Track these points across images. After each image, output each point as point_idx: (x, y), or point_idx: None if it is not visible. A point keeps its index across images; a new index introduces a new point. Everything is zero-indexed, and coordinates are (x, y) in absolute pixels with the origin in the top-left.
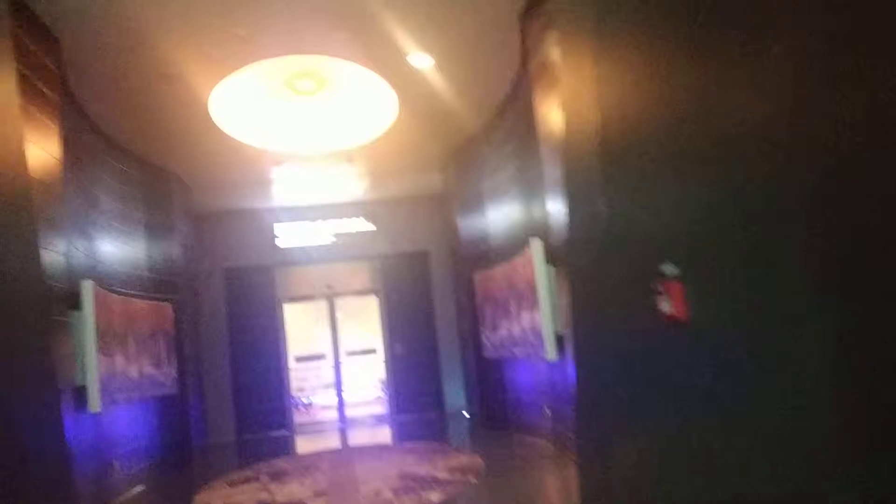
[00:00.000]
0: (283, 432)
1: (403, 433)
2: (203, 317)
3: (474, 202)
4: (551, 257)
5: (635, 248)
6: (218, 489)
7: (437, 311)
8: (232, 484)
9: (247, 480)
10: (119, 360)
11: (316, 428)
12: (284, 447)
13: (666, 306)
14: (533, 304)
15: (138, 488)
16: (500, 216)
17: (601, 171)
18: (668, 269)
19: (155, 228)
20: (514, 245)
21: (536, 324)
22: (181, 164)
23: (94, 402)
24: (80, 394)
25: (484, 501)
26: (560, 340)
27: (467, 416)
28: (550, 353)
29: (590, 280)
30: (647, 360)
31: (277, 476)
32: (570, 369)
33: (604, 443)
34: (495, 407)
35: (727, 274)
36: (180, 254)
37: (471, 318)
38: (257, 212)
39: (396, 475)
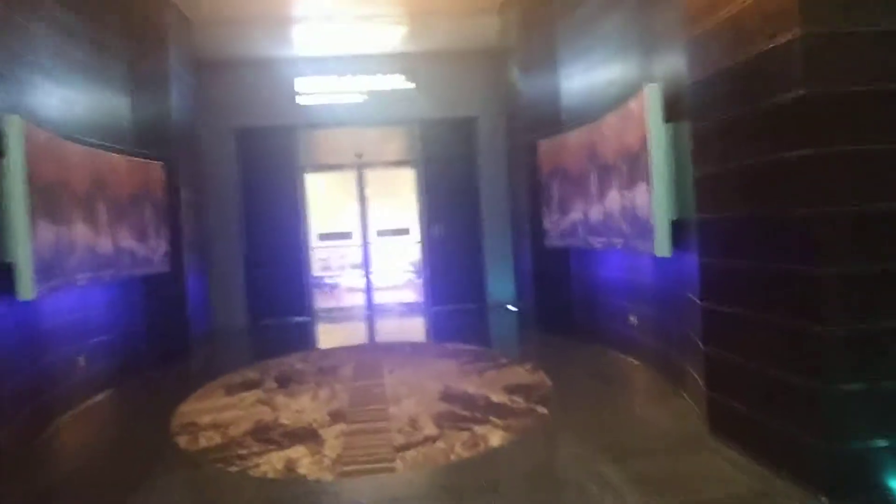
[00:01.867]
0: (302, 318)
1: (441, 329)
2: (207, 182)
3: (543, 53)
4: (674, 112)
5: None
6: (210, 396)
7: (483, 188)
8: (230, 390)
9: (249, 386)
10: (81, 229)
11: (340, 315)
12: (302, 337)
13: None
14: (631, 178)
15: (101, 395)
16: (580, 69)
17: None
18: None
19: (143, 70)
20: (598, 107)
21: (637, 205)
22: None
23: (26, 286)
24: (9, 274)
25: (563, 446)
26: (679, 229)
27: (513, 310)
28: (661, 246)
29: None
30: None
31: (287, 381)
32: (694, 269)
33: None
34: (555, 307)
35: None
36: (177, 105)
37: (529, 197)
38: (276, 61)
39: (438, 394)
